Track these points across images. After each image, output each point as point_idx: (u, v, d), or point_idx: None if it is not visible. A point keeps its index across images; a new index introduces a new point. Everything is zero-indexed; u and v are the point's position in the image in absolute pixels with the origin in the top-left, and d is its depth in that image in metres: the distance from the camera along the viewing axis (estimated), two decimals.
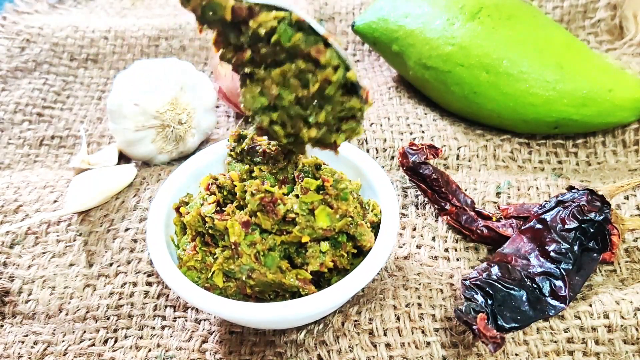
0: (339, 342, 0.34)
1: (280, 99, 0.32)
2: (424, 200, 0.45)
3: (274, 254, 0.33)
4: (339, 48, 0.31)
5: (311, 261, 0.33)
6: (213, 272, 0.34)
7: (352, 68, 0.31)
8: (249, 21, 0.30)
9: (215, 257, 0.34)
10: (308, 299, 0.31)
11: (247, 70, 0.32)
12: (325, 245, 0.33)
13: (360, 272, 0.32)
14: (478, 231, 0.41)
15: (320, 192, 0.33)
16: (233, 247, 0.33)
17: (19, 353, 0.38)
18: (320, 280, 0.35)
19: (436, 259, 0.41)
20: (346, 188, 0.33)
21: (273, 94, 0.31)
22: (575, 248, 0.36)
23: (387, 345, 0.34)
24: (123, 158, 0.51)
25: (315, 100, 0.32)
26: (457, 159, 0.49)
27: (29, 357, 0.38)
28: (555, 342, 0.34)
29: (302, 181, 0.34)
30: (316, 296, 0.32)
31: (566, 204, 0.38)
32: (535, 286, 0.35)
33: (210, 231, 0.34)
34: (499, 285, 0.35)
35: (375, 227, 0.36)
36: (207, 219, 0.34)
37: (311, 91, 0.31)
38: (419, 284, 0.37)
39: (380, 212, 0.36)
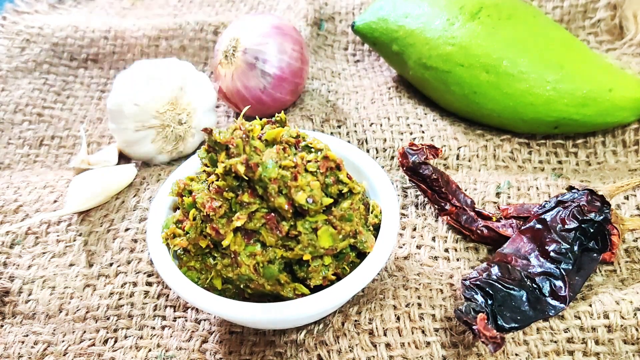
0: (339, 342, 0.34)
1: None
2: (424, 201, 0.45)
3: (273, 266, 0.33)
4: None
5: (314, 276, 0.33)
6: (212, 276, 0.34)
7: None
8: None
9: (215, 260, 0.33)
10: (308, 299, 0.31)
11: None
12: (328, 259, 0.33)
13: (361, 273, 0.32)
14: (478, 231, 0.41)
15: (326, 211, 0.33)
16: (232, 256, 0.32)
17: (19, 353, 0.38)
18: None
19: (436, 259, 0.41)
20: (350, 208, 0.33)
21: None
22: (575, 248, 0.36)
23: (387, 345, 0.34)
24: (123, 158, 0.51)
25: None
26: (457, 159, 0.49)
27: (29, 357, 0.38)
28: (555, 342, 0.34)
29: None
30: (316, 296, 0.32)
31: (566, 204, 0.38)
32: (535, 286, 0.35)
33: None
34: (499, 286, 0.35)
35: (376, 228, 0.36)
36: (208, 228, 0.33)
37: None
38: (419, 284, 0.37)
39: (381, 212, 0.36)
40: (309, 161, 0.33)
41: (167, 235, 0.34)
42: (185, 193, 0.35)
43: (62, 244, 0.43)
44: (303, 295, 0.33)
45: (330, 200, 0.32)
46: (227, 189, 0.33)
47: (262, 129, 0.35)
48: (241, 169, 0.31)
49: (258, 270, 0.32)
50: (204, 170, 0.35)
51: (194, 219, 0.33)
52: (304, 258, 0.32)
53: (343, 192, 0.34)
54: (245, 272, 0.32)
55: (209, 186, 0.34)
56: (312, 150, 0.34)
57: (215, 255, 0.33)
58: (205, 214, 0.33)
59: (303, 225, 0.32)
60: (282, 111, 0.37)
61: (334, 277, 0.33)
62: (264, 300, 0.34)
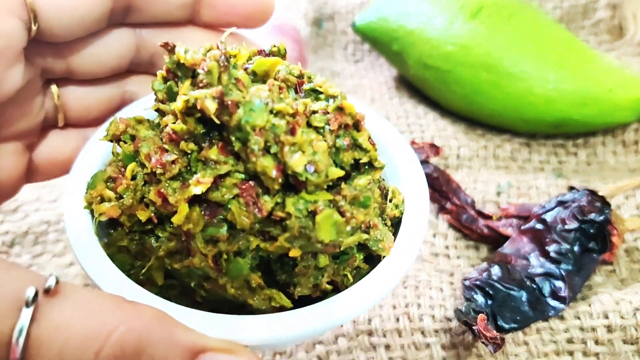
0: (337, 343, 0.34)
1: None
2: None
3: (242, 261, 0.22)
4: None
5: (301, 281, 0.23)
6: (151, 265, 0.24)
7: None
8: None
9: (158, 242, 0.23)
10: (288, 316, 0.22)
11: None
12: (324, 259, 0.23)
13: (372, 285, 0.23)
14: (478, 230, 0.41)
15: (332, 188, 0.22)
16: (184, 238, 0.22)
17: None
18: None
19: (437, 256, 0.41)
20: (368, 188, 0.23)
21: None
22: (576, 248, 0.36)
23: (387, 346, 0.34)
24: None
25: None
26: (457, 158, 0.49)
27: None
28: (555, 342, 0.34)
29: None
30: (301, 312, 0.22)
31: (566, 204, 0.38)
32: (535, 286, 0.35)
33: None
34: (499, 286, 0.35)
35: (394, 224, 0.26)
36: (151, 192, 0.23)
37: None
38: (419, 281, 0.37)
39: (403, 202, 0.26)
40: (314, 112, 0.23)
41: (92, 198, 0.24)
42: (126, 138, 0.24)
43: (62, 243, 0.43)
44: (282, 308, 0.23)
45: (341, 173, 0.22)
46: (186, 137, 0.22)
47: (250, 60, 0.24)
48: (211, 107, 0.21)
49: (220, 264, 0.22)
50: (158, 109, 0.24)
51: (134, 177, 0.23)
52: (290, 254, 0.22)
53: (360, 162, 0.24)
54: (199, 265, 0.22)
55: (161, 131, 0.24)
56: (322, 97, 0.24)
57: (160, 234, 0.23)
58: (150, 171, 0.23)
59: (295, 204, 0.21)
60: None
61: (329, 287, 0.24)
62: (222, 309, 0.24)
